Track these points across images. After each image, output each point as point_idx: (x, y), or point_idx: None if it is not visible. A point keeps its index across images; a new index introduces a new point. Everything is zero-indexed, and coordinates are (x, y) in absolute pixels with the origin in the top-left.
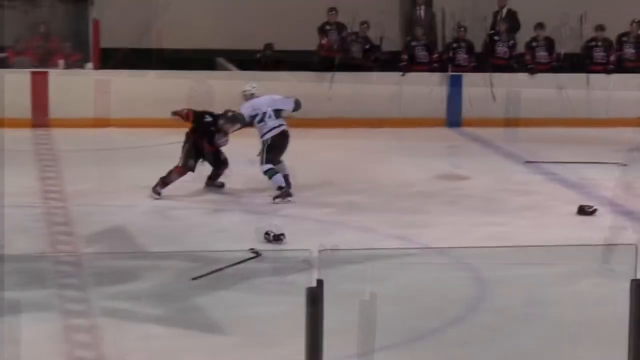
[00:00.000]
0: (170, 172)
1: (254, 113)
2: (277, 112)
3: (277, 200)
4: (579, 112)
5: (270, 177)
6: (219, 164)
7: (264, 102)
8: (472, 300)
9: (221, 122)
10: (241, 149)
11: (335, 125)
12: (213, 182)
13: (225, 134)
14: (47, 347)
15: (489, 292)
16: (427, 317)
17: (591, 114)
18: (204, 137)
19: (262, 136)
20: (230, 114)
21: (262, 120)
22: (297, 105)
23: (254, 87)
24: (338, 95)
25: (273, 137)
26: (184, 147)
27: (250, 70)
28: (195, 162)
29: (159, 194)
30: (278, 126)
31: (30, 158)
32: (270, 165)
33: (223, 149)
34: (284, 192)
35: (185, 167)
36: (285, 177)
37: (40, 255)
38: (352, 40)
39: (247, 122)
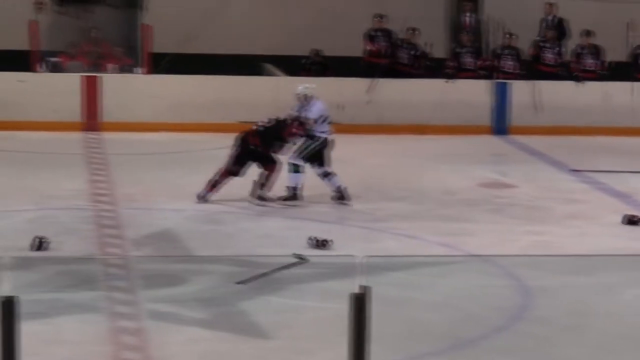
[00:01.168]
0: (215, 175)
1: (323, 118)
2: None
3: (281, 201)
4: (625, 121)
5: (290, 172)
6: (270, 162)
7: (324, 106)
8: (515, 309)
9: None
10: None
11: (381, 132)
12: (262, 195)
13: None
14: (93, 349)
15: (532, 301)
16: (470, 325)
17: (636, 123)
18: (268, 145)
19: (314, 135)
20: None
21: (324, 121)
22: None
23: (307, 88)
24: (383, 101)
25: (324, 142)
26: (232, 150)
27: (296, 76)
28: (241, 167)
29: (204, 197)
30: (331, 133)
31: (81, 161)
32: (301, 162)
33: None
34: (292, 196)
35: (231, 173)
36: (339, 189)
37: (89, 257)
38: (399, 47)
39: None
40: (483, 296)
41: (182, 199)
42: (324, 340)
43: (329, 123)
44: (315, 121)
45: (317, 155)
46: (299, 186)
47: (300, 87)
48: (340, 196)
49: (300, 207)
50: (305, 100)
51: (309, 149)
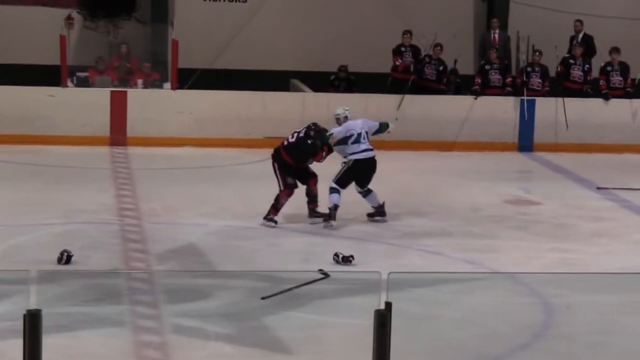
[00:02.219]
0: (277, 198)
1: (348, 134)
2: (369, 135)
3: (317, 220)
4: None
5: (330, 193)
6: (307, 176)
7: (359, 123)
8: (539, 326)
9: (311, 138)
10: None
11: (407, 148)
12: (315, 211)
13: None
14: None
15: (556, 318)
16: (493, 342)
17: None
18: (298, 158)
19: (346, 156)
20: (314, 129)
21: (357, 141)
22: (382, 127)
23: (346, 110)
24: (410, 117)
25: (357, 161)
26: (274, 169)
27: (323, 92)
28: (294, 179)
29: (273, 221)
30: (367, 151)
31: (108, 175)
32: (336, 186)
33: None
34: (330, 216)
35: (288, 187)
36: (380, 206)
37: (114, 271)
38: (426, 63)
39: (330, 142)
40: (507, 313)
41: (207, 214)
42: (348, 357)
43: (360, 142)
44: (347, 139)
45: (351, 177)
46: (335, 208)
47: (339, 110)
48: (376, 212)
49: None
50: (344, 122)
51: (340, 173)
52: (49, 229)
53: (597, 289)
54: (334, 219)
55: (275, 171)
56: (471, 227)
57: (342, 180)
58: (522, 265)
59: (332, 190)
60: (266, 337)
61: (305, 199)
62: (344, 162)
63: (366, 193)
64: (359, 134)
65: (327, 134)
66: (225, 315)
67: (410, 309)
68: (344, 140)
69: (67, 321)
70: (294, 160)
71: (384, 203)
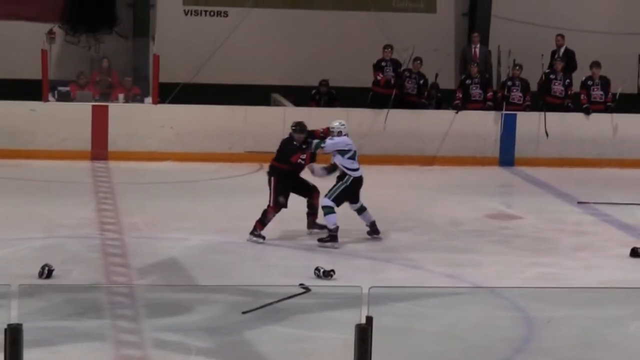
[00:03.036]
0: (265, 213)
1: (347, 148)
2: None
3: (321, 243)
4: (634, 153)
5: (326, 214)
6: (309, 190)
7: (351, 140)
8: (520, 340)
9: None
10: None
11: (388, 162)
12: (315, 223)
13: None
14: None
15: (537, 333)
16: (475, 356)
17: None
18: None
19: (344, 173)
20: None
21: (353, 157)
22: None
23: (343, 125)
24: (391, 131)
25: (355, 180)
26: (270, 182)
27: (305, 107)
28: (286, 198)
29: (261, 236)
30: (359, 170)
31: (89, 190)
32: (331, 204)
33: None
34: (332, 237)
35: (277, 205)
36: (373, 224)
37: (95, 285)
38: (407, 77)
39: (318, 148)
40: (488, 328)
41: (188, 229)
42: None
43: (355, 160)
44: (344, 153)
45: (347, 194)
46: (335, 230)
47: (335, 123)
48: (374, 230)
49: (305, 237)
50: (337, 136)
51: (338, 191)
52: (29, 243)
53: (578, 303)
54: (337, 240)
55: (270, 186)
56: (452, 242)
57: (338, 199)
58: (503, 280)
59: (329, 210)
60: (247, 351)
61: (286, 212)
62: (339, 177)
63: (361, 210)
64: (355, 152)
65: (319, 143)
66: (206, 330)
67: (391, 323)
68: (341, 154)
69: (48, 335)
70: (282, 162)
71: (374, 221)
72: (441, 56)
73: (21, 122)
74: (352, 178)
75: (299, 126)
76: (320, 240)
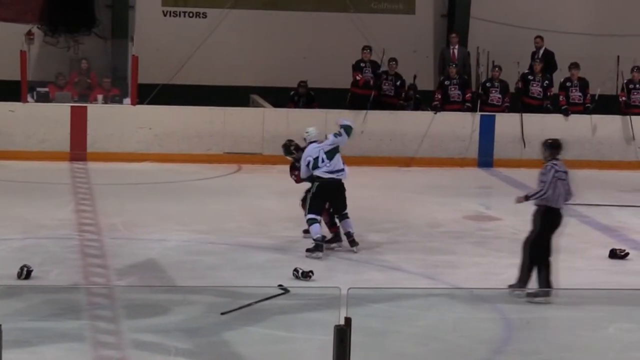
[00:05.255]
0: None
1: (306, 162)
2: (331, 154)
3: (307, 254)
4: (612, 154)
5: (309, 225)
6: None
7: (313, 148)
8: (499, 342)
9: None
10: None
11: (366, 163)
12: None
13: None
14: None
15: (516, 334)
16: (453, 357)
17: (625, 157)
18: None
19: (311, 183)
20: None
21: (315, 166)
22: (347, 133)
23: (316, 134)
24: (370, 132)
25: (319, 186)
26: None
27: (283, 108)
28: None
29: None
30: (330, 173)
31: (68, 191)
32: (312, 215)
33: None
34: (316, 248)
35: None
36: (348, 234)
37: (73, 286)
38: (384, 79)
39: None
40: (467, 329)
41: (167, 229)
42: None
43: (332, 159)
44: (307, 166)
45: (319, 200)
46: (320, 239)
47: (311, 130)
48: (351, 240)
49: (285, 239)
50: (312, 141)
51: (308, 202)
52: (8, 244)
53: (556, 304)
54: (322, 250)
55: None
56: (431, 243)
57: (312, 207)
58: (482, 281)
59: (312, 222)
60: (226, 352)
61: (266, 213)
62: (307, 190)
63: (342, 217)
64: (316, 159)
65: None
66: (185, 331)
67: (370, 324)
68: (306, 171)
69: (27, 336)
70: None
71: (353, 233)
72: (420, 57)
73: (0, 123)
74: (316, 185)
75: (296, 151)
76: (307, 250)
